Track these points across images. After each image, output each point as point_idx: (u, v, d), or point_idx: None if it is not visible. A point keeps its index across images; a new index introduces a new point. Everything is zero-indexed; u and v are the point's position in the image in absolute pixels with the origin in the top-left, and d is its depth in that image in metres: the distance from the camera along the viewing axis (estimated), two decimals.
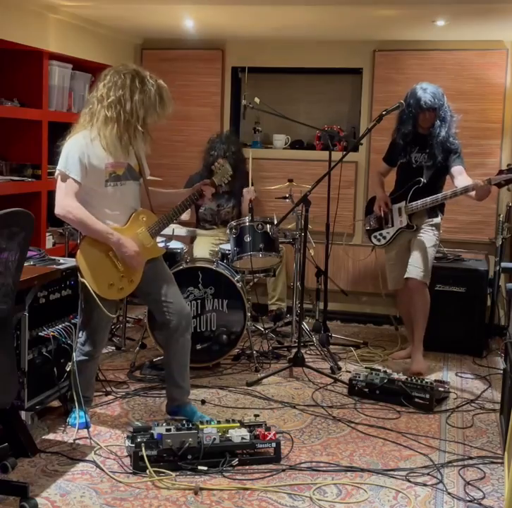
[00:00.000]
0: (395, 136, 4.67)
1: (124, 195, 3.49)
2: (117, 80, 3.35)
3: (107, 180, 3.41)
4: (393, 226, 4.68)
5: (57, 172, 3.38)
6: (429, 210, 4.55)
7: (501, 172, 4.31)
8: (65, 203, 3.34)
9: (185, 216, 5.20)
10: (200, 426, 3.26)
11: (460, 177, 4.45)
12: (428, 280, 4.59)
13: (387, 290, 5.13)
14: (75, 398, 3.50)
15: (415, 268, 4.53)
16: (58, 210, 3.37)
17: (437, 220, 4.62)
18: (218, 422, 3.38)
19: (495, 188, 4.45)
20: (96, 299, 3.38)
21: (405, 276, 4.57)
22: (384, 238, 4.75)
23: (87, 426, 3.51)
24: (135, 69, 3.40)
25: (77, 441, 3.41)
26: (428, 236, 4.58)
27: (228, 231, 4.76)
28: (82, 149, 3.35)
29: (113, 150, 3.38)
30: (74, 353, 3.54)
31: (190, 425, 3.25)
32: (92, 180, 3.38)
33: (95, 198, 3.41)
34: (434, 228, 4.60)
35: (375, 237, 4.80)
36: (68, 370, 3.52)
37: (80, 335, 3.60)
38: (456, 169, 4.48)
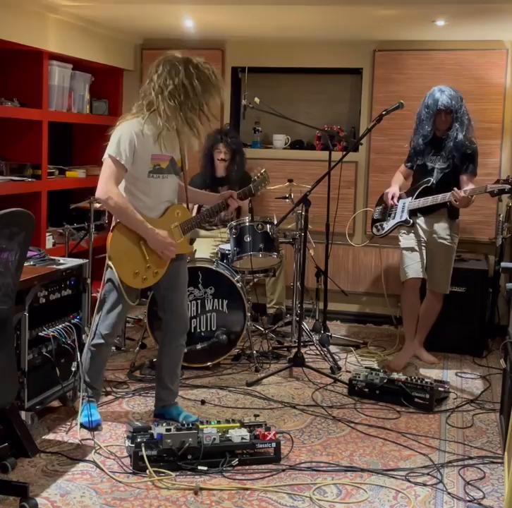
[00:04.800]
0: (412, 138, 4.71)
1: (164, 187, 3.50)
2: (171, 69, 3.32)
3: (151, 171, 3.41)
4: (393, 219, 4.76)
5: (106, 156, 3.35)
6: (450, 211, 4.60)
7: (497, 182, 4.39)
8: (108, 188, 3.33)
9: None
10: (200, 426, 3.26)
11: (464, 186, 4.50)
12: (448, 290, 4.75)
13: (389, 290, 5.15)
14: (81, 389, 3.51)
15: (443, 283, 4.69)
16: (100, 194, 3.35)
17: (458, 221, 4.71)
18: (218, 422, 3.38)
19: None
20: (120, 285, 3.41)
21: (430, 288, 4.72)
22: (383, 228, 4.83)
23: (99, 424, 3.53)
24: (186, 57, 3.38)
25: (77, 441, 3.41)
26: (451, 244, 4.65)
27: (228, 231, 4.76)
28: (133, 136, 3.34)
29: (161, 142, 3.36)
30: (89, 340, 3.55)
31: (190, 425, 3.25)
32: (137, 169, 3.38)
33: (136, 187, 3.43)
34: (454, 232, 4.67)
35: (376, 227, 4.90)
36: (73, 369, 3.53)
37: (96, 317, 3.56)
38: (464, 178, 4.54)
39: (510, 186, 4.26)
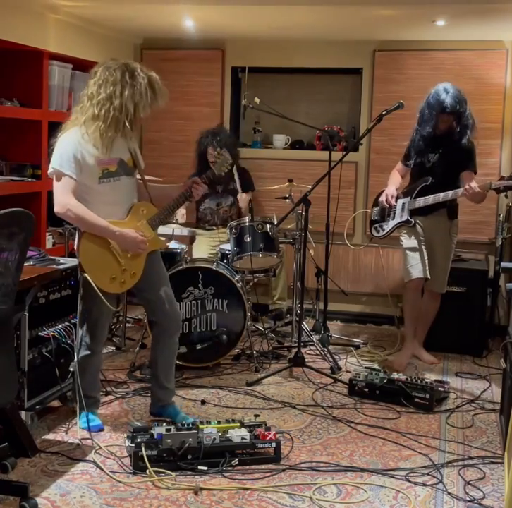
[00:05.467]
0: (413, 137, 4.66)
1: (119, 190, 3.47)
2: (107, 77, 3.33)
3: (100, 176, 3.38)
4: (393, 219, 4.72)
5: (51, 170, 3.35)
6: (449, 210, 4.60)
7: (502, 178, 4.34)
8: (64, 201, 3.32)
9: (181, 219, 5.20)
10: (200, 426, 3.26)
11: (468, 183, 4.45)
12: (445, 289, 4.81)
13: (391, 290, 5.15)
14: (78, 399, 3.47)
15: (441, 283, 4.72)
16: (58, 208, 3.35)
17: (457, 220, 4.70)
18: (218, 422, 3.38)
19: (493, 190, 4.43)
20: (99, 293, 3.36)
21: (428, 288, 4.74)
22: (383, 229, 4.80)
23: (101, 428, 3.53)
24: (124, 63, 3.36)
25: (77, 441, 3.41)
26: (450, 245, 4.67)
27: (228, 231, 4.76)
28: (75, 145, 3.32)
29: (103, 147, 3.35)
30: (76, 353, 3.53)
31: (190, 425, 3.25)
32: (86, 177, 3.36)
33: (90, 195, 3.39)
34: (454, 232, 4.68)
35: (375, 228, 4.87)
36: (71, 369, 3.52)
37: (80, 330, 3.57)
38: (466, 175, 4.52)
39: None
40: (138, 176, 3.63)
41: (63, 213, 3.34)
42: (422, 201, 4.56)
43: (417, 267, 4.60)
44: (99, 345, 3.65)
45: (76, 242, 3.46)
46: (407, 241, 4.67)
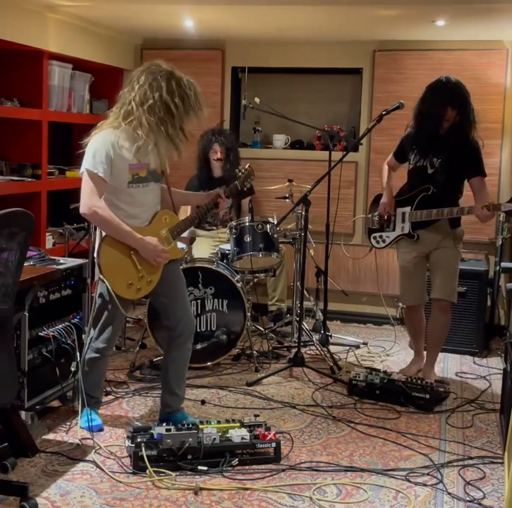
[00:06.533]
0: (409, 131, 4.40)
1: (146, 196, 3.45)
2: (152, 82, 3.25)
3: (130, 181, 3.36)
4: (394, 230, 4.47)
5: (83, 170, 3.29)
6: (451, 219, 4.28)
7: (511, 200, 4.08)
8: (92, 203, 3.26)
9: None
10: (200, 426, 3.26)
11: (478, 194, 4.20)
12: (456, 298, 4.41)
13: (389, 290, 5.10)
14: (80, 398, 3.48)
15: (446, 289, 4.33)
16: (84, 209, 3.27)
17: (460, 229, 4.38)
18: (218, 422, 3.38)
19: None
20: (115, 298, 3.35)
21: (433, 297, 4.37)
22: (384, 241, 4.54)
23: (101, 428, 3.53)
24: (169, 71, 3.29)
25: (77, 441, 3.41)
26: (454, 250, 4.33)
27: (228, 231, 4.76)
28: (110, 146, 3.27)
29: (137, 153, 3.32)
30: (84, 353, 3.53)
31: (190, 425, 3.25)
32: (116, 179, 3.32)
33: (118, 198, 3.36)
34: (457, 240, 4.35)
35: (375, 238, 4.59)
36: (72, 369, 3.52)
37: (91, 331, 3.56)
38: (476, 184, 4.23)
39: None
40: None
41: (90, 214, 3.28)
42: (424, 215, 4.27)
43: (409, 295, 4.47)
44: (108, 349, 3.64)
45: (97, 244, 3.42)
46: (403, 260, 4.45)
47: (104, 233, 3.37)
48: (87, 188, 3.28)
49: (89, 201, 3.26)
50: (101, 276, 3.35)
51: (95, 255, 3.40)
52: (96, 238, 3.49)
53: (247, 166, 3.90)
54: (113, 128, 3.33)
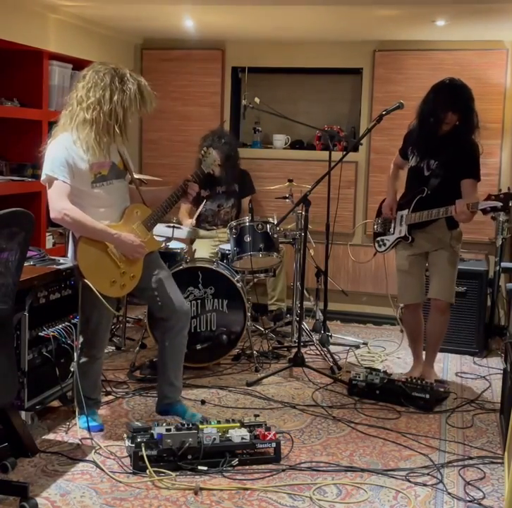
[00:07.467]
0: (411, 128, 4.34)
1: (112, 193, 3.46)
2: (97, 81, 3.30)
3: (93, 181, 3.38)
4: (393, 233, 4.47)
5: (44, 177, 3.33)
6: (448, 220, 4.24)
7: (489, 197, 4.00)
8: (60, 206, 3.29)
9: (187, 222, 5.20)
10: (200, 426, 3.26)
11: (467, 198, 4.09)
12: (454, 299, 4.37)
13: (390, 290, 5.09)
14: (77, 401, 3.48)
15: (443, 289, 4.30)
16: (54, 214, 3.31)
17: (457, 230, 4.35)
18: (218, 422, 3.38)
19: (493, 191, 4.26)
20: (100, 298, 3.34)
21: (430, 296, 4.37)
22: (384, 244, 4.55)
23: (101, 429, 3.53)
24: (114, 68, 3.34)
25: (77, 441, 3.41)
26: (451, 251, 4.30)
27: (228, 231, 4.76)
28: (66, 150, 3.30)
29: (94, 152, 3.33)
30: (75, 355, 3.52)
31: (190, 425, 3.25)
32: (79, 181, 3.34)
33: (84, 199, 3.37)
34: (455, 241, 4.32)
35: (377, 242, 4.60)
36: (71, 369, 3.52)
37: (80, 337, 3.58)
38: (466, 186, 4.15)
39: (502, 204, 3.90)
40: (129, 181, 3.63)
41: (60, 218, 3.31)
42: (417, 217, 4.27)
43: (407, 294, 4.45)
44: (100, 351, 3.66)
45: (71, 248, 3.45)
46: (400, 261, 4.46)
47: (77, 236, 3.37)
48: (52, 193, 3.32)
49: (57, 205, 3.30)
50: (84, 281, 3.35)
51: (73, 259, 3.42)
52: (69, 243, 3.50)
53: (205, 149, 3.88)
54: (66, 131, 3.35)
